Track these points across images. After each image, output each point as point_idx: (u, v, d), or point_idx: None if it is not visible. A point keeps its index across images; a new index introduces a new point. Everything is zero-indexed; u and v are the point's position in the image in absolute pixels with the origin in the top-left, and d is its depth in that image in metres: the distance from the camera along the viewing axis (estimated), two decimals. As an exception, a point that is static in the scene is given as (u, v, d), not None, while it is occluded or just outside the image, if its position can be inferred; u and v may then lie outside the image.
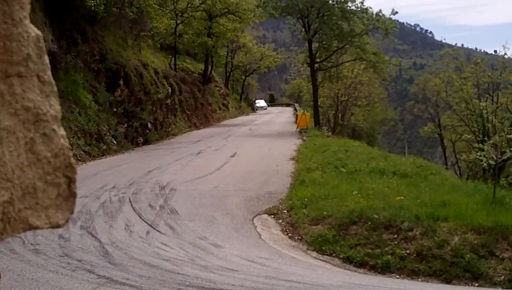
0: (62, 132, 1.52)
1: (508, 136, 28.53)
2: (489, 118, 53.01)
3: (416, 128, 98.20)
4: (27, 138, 1.43)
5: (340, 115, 78.39)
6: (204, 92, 71.19)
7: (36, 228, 1.47)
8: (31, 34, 1.45)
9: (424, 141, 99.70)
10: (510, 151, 24.98)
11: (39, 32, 1.49)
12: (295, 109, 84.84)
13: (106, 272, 12.41)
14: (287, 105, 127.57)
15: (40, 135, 1.46)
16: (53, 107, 1.49)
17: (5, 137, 1.38)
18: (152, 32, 60.59)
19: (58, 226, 1.52)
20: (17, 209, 1.41)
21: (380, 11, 59.07)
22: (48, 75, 1.50)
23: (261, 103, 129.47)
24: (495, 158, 22.34)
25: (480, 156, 23.64)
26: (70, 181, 1.53)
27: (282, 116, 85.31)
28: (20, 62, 1.42)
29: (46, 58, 1.51)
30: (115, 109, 39.76)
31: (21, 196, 1.41)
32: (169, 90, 53.07)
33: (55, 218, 1.50)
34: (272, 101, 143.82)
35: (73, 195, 1.54)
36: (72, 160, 1.54)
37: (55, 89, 1.53)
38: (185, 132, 54.52)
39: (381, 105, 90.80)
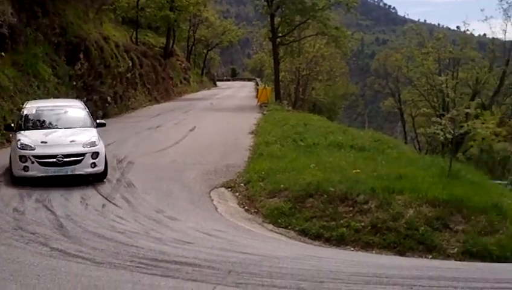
0: None
1: (466, 110, 28.67)
2: (449, 93, 53.25)
3: (377, 103, 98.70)
4: None
5: (301, 90, 78.41)
6: (165, 66, 70.81)
7: None
8: None
9: (385, 116, 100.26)
10: (467, 125, 25.16)
11: None
12: (257, 84, 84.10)
13: (59, 245, 12.35)
14: (249, 80, 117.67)
15: None
16: None
17: None
18: (114, 6, 60.12)
19: None
20: None
21: (343, -16, 58.70)
22: None
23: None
24: (452, 132, 22.53)
25: (437, 129, 23.76)
26: None
27: (243, 91, 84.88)
28: None
29: None
30: (74, 83, 39.39)
31: None
32: (130, 64, 52.72)
33: None
34: (233, 76, 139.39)
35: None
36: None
37: None
38: (145, 106, 54.23)
39: (343, 80, 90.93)
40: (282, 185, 19.57)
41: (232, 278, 10.16)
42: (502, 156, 67.32)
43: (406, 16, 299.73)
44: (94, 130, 21.98)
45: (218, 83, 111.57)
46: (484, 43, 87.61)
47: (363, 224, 16.83)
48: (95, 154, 20.49)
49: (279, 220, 17.53)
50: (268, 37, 64.68)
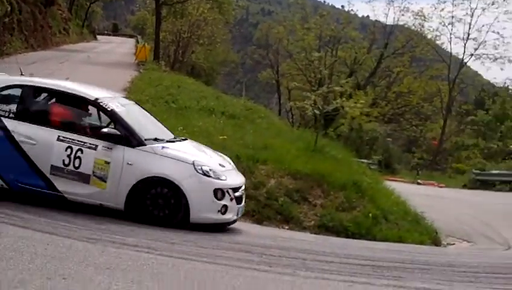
0: None
1: (337, 88, 29.20)
2: (322, 70, 53.94)
3: (257, 73, 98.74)
4: None
5: (180, 52, 77.91)
6: (45, 14, 69.16)
7: None
8: None
9: (263, 86, 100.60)
10: (336, 103, 25.66)
11: None
12: (137, 41, 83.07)
13: None
14: (130, 36, 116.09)
15: None
16: None
17: None
18: None
19: None
20: None
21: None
22: None
23: None
24: (320, 108, 22.99)
25: (306, 104, 24.17)
26: None
27: (123, 47, 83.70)
28: None
29: None
30: None
31: None
32: (9, 9, 51.26)
33: None
34: (115, 31, 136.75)
35: None
36: None
37: None
38: (20, 53, 52.75)
39: (224, 46, 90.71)
40: (146, 146, 19.52)
41: (84, 233, 10.16)
42: (371, 136, 69.37)
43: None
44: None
45: (98, 37, 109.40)
46: (366, 25, 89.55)
47: (223, 191, 17.00)
48: None
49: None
50: (152, -5, 64.12)
